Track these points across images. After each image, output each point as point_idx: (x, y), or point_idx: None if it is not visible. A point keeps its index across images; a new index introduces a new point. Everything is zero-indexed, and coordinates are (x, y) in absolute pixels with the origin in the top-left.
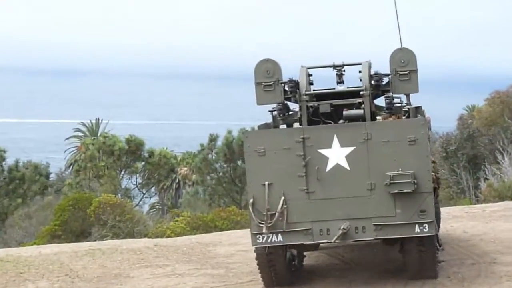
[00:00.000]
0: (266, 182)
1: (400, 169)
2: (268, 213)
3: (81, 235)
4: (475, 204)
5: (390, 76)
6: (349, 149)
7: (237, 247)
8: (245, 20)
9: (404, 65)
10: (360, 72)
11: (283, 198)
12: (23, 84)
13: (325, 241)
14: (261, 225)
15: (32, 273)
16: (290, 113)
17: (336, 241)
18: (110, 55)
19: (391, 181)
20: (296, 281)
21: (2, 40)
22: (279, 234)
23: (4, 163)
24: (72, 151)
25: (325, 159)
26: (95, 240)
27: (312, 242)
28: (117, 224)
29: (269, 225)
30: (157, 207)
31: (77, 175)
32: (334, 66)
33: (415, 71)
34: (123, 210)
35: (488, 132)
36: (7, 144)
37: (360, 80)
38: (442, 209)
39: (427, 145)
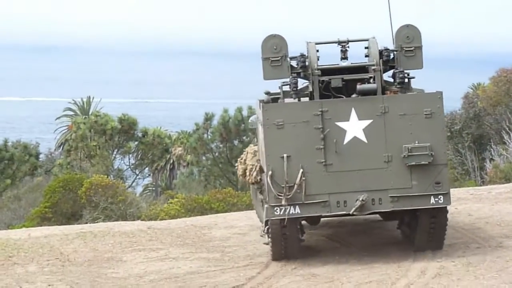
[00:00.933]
0: (285, 155)
1: (416, 142)
2: (287, 185)
3: (72, 218)
4: (480, 185)
5: (395, 52)
6: (367, 122)
7: (233, 230)
8: None
9: (410, 42)
10: (366, 48)
11: (301, 170)
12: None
13: (343, 212)
14: (280, 197)
15: (21, 257)
16: (301, 87)
17: (354, 212)
18: (90, 31)
19: (409, 153)
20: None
21: None
22: (297, 206)
23: None
24: (63, 130)
25: (343, 132)
26: (86, 223)
27: (330, 214)
28: (109, 206)
29: (288, 197)
30: (150, 188)
31: (67, 155)
32: (339, 42)
33: (420, 47)
34: (116, 191)
35: (494, 111)
36: None
37: (366, 56)
38: None
39: (443, 118)
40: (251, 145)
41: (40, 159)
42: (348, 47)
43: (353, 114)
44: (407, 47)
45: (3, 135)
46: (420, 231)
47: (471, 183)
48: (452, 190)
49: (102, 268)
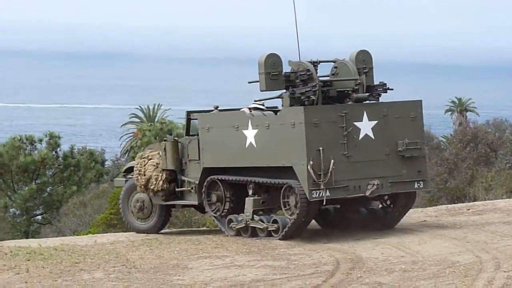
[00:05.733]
0: (321, 148)
1: (406, 139)
2: (323, 172)
3: None
4: None
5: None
6: (374, 122)
7: (298, 237)
8: None
9: (365, 63)
10: (336, 67)
11: (332, 160)
12: (58, 68)
13: (358, 195)
14: (319, 182)
15: (87, 263)
16: (298, 96)
17: (367, 194)
18: (152, 38)
19: (406, 147)
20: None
21: (40, 24)
22: (327, 190)
23: (59, 149)
24: (128, 137)
25: (358, 129)
26: None
27: (349, 196)
28: (174, 213)
29: (325, 182)
30: None
31: None
32: (313, 62)
33: (372, 68)
34: None
35: None
36: (61, 130)
37: (333, 74)
38: None
39: (422, 120)
40: (137, 159)
41: (106, 166)
42: (318, 64)
43: (365, 115)
44: (364, 67)
45: (69, 142)
46: (394, 210)
47: None
48: None
49: (168, 275)
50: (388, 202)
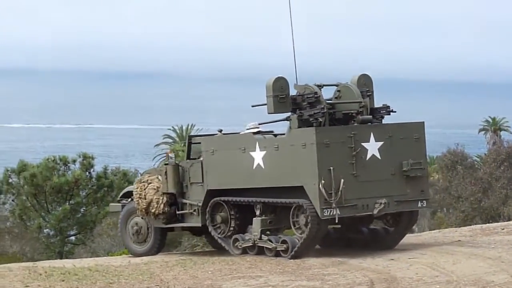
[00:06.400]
0: (331, 167)
1: (410, 159)
2: (334, 191)
3: (171, 245)
4: None
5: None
6: (380, 143)
7: (332, 257)
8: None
9: (367, 87)
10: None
11: (342, 180)
12: (91, 88)
13: (366, 213)
14: (330, 201)
15: (121, 284)
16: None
17: (375, 213)
18: (180, 57)
19: (411, 167)
20: None
21: (72, 42)
22: (337, 208)
23: (92, 170)
24: (162, 157)
25: (365, 150)
26: (185, 250)
27: (358, 215)
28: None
29: (336, 200)
30: None
31: None
32: (318, 86)
33: (372, 91)
34: None
35: None
36: (94, 151)
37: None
38: None
39: (425, 141)
40: (136, 183)
41: None
42: (322, 87)
43: (372, 136)
44: (367, 90)
45: (103, 162)
46: (396, 230)
47: None
48: None
49: None
50: (391, 222)
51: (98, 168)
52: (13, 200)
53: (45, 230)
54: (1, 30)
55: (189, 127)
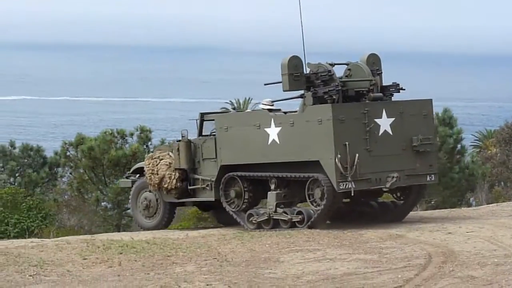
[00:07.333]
0: (347, 143)
1: (419, 135)
2: (350, 165)
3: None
4: None
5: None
6: (392, 119)
7: (389, 231)
8: None
9: (375, 65)
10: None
11: (357, 154)
12: (148, 62)
13: (380, 187)
14: (346, 174)
15: (179, 256)
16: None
17: (387, 186)
18: (235, 32)
19: (421, 143)
20: None
21: (123, 17)
22: (353, 182)
23: (150, 143)
24: None
25: (378, 126)
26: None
27: (372, 188)
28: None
29: (351, 174)
30: None
31: None
32: (332, 64)
33: (381, 70)
34: None
35: None
36: (151, 124)
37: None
38: None
39: (433, 117)
40: (147, 159)
41: None
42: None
43: (384, 113)
44: (377, 69)
45: (159, 135)
46: (405, 203)
47: None
48: None
49: (259, 268)
50: (399, 195)
51: (155, 141)
52: (70, 173)
53: (102, 203)
54: (63, 5)
55: (247, 100)
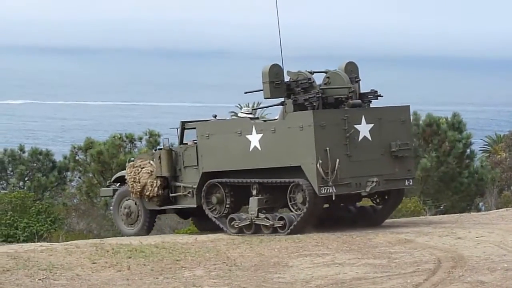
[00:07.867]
0: (327, 148)
1: (398, 140)
2: (331, 170)
3: None
4: None
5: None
6: (371, 125)
7: (398, 236)
8: None
9: (353, 73)
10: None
11: (338, 160)
12: (157, 66)
13: (359, 191)
14: (327, 179)
15: (188, 261)
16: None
17: (367, 191)
18: (240, 35)
19: (399, 148)
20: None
21: (134, 21)
22: (334, 186)
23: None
24: None
25: (358, 132)
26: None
27: (350, 192)
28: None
29: (332, 179)
30: None
31: None
32: (311, 72)
33: (359, 78)
34: None
35: None
36: (160, 129)
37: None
38: None
39: (411, 123)
40: (129, 168)
41: None
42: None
43: (363, 119)
44: (355, 76)
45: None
46: (384, 208)
47: None
48: None
49: (268, 273)
50: (378, 200)
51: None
52: (80, 177)
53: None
54: (80, 11)
55: (255, 104)
